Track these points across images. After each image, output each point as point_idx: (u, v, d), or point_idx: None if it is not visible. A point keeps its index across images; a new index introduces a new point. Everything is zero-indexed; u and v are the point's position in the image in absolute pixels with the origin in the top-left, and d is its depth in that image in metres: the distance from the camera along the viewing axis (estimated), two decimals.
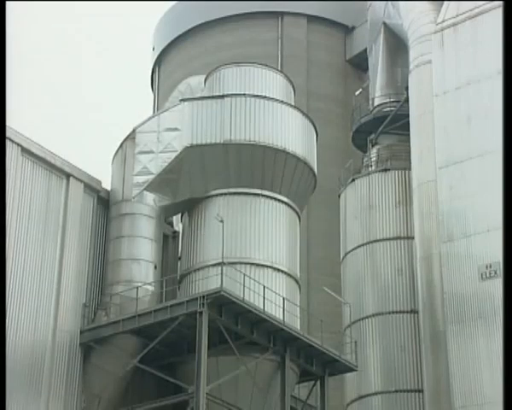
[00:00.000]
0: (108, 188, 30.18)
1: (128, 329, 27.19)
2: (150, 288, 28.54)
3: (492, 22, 29.78)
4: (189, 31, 48.79)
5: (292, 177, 30.41)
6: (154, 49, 52.41)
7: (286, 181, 30.26)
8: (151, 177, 29.52)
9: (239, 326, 26.82)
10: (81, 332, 27.57)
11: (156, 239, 29.65)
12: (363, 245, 35.44)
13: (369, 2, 40.96)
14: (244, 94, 30.29)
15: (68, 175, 28.57)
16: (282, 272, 29.59)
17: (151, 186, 29.57)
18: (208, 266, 28.75)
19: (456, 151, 30.81)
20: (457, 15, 30.87)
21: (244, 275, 27.36)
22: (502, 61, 25.15)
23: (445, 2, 32.00)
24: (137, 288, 27.62)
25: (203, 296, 25.91)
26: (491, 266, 29.48)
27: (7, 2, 25.27)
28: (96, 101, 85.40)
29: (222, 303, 26.28)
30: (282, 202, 30.32)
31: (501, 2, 29.48)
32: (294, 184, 30.55)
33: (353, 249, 35.87)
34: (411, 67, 34.40)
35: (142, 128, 30.24)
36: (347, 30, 47.43)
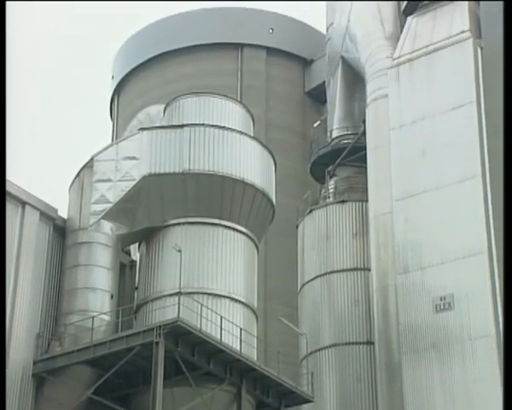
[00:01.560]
0: (65, 216, 29.92)
1: (82, 359, 26.84)
2: (106, 318, 28.25)
3: (447, 58, 30.41)
4: (149, 60, 48.89)
5: (250, 207, 30.51)
6: (113, 77, 52.34)
7: (244, 211, 30.34)
8: (109, 205, 29.35)
9: (195, 357, 26.68)
10: (34, 363, 27.14)
11: (113, 268, 29.43)
12: (320, 276, 35.60)
13: (327, 36, 41.56)
14: (203, 124, 30.39)
15: (24, 203, 28.28)
16: (240, 302, 29.56)
17: (108, 215, 29.39)
18: (165, 296, 28.59)
19: (412, 184, 31.24)
20: (413, 51, 31.46)
21: (201, 305, 27.26)
22: (503, 62, 25.24)
23: (401, 38, 32.62)
24: (93, 318, 27.33)
25: (160, 326, 25.74)
26: (445, 298, 29.82)
27: None
28: (54, 128, 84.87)
29: (178, 333, 26.13)
30: (241, 232, 30.37)
31: (455, 39, 30.20)
32: (253, 214, 30.64)
33: (310, 280, 36.00)
34: (368, 100, 34.90)
35: (101, 156, 30.12)
36: (306, 63, 47.98)
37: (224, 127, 30.43)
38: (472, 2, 31.45)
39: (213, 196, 29.81)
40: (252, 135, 31.74)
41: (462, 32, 30.34)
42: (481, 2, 30.85)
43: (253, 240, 30.98)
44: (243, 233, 30.44)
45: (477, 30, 30.67)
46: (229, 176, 29.78)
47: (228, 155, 30.12)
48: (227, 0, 48.36)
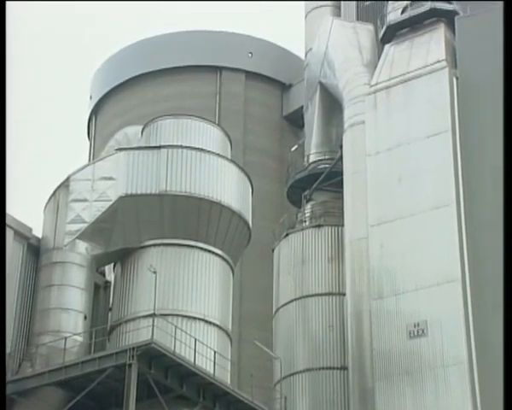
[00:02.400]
0: (39, 236, 29.71)
1: (54, 381, 26.49)
2: (79, 339, 28.02)
3: (423, 87, 30.76)
4: (128, 81, 48.88)
5: (227, 230, 30.52)
6: (91, 97, 52.26)
7: (220, 234, 30.34)
8: (84, 225, 29.22)
9: (168, 379, 26.49)
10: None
11: (87, 289, 29.24)
12: (295, 300, 35.57)
13: (306, 61, 41.84)
14: (181, 146, 30.44)
15: None
16: (214, 325, 29.48)
17: (84, 235, 29.25)
18: (139, 318, 28.45)
19: (388, 210, 31.43)
20: (390, 79, 31.79)
21: (175, 327, 27.14)
22: (503, 63, 25.50)
23: (379, 66, 32.97)
24: (65, 338, 27.08)
25: (133, 348, 25.53)
26: (418, 325, 29.93)
27: None
28: (30, 147, 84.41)
29: (152, 356, 25.96)
30: (216, 254, 30.35)
31: (431, 68, 30.59)
32: (229, 236, 30.65)
33: (285, 304, 35.96)
34: (345, 126, 35.14)
35: (77, 176, 30.03)
36: (284, 87, 48.28)
37: (201, 149, 30.48)
38: (448, 33, 31.90)
39: (190, 218, 29.80)
40: (229, 158, 31.82)
41: (438, 61, 30.72)
42: (457, 34, 31.31)
43: (228, 263, 30.95)
44: (219, 256, 30.42)
45: (453, 60, 31.08)
46: (206, 198, 29.81)
47: (205, 178, 30.16)
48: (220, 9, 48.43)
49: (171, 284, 28.99)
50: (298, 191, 39.40)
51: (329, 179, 37.74)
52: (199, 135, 31.39)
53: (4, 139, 25.60)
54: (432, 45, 31.46)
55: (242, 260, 38.16)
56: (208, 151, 30.62)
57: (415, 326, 29.86)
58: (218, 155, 30.93)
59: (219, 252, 30.38)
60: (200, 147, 30.62)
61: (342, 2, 43.14)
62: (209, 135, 31.69)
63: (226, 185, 30.61)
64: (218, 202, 30.00)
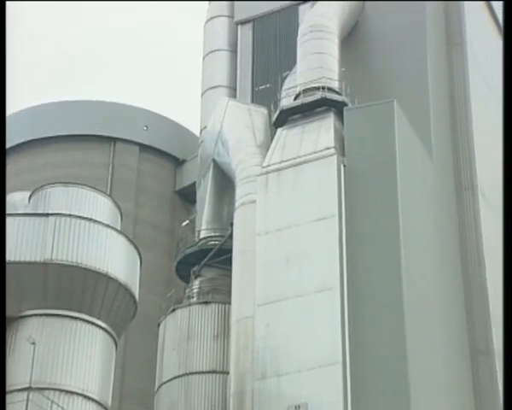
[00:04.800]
0: None
1: None
2: None
3: (312, 172, 31.68)
4: (18, 146, 47.91)
5: (112, 302, 30.04)
6: None
7: (106, 306, 29.82)
8: None
9: None
10: None
11: None
12: (178, 377, 35.10)
13: (200, 138, 42.38)
14: (70, 214, 30.00)
15: None
16: (93, 400, 28.67)
17: None
18: (15, 391, 27.33)
19: (275, 290, 31.75)
20: (281, 162, 32.58)
21: (52, 402, 26.26)
22: (503, 64, 25.97)
23: (271, 148, 33.81)
24: None
25: None
26: (299, 407, 29.99)
27: None
28: None
29: None
30: (100, 327, 29.75)
31: (320, 155, 31.59)
32: (114, 309, 30.15)
33: (168, 381, 35.43)
34: (237, 204, 35.57)
35: None
36: (178, 162, 48.56)
37: (90, 219, 30.11)
38: (337, 122, 33.15)
39: (75, 289, 29.20)
40: (119, 229, 31.53)
41: (327, 148, 31.79)
42: (345, 124, 32.58)
43: (112, 336, 30.36)
44: (103, 328, 29.82)
45: (341, 148, 32.22)
46: (93, 269, 29.36)
47: (93, 248, 29.75)
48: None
49: (51, 356, 28.11)
50: (187, 267, 39.32)
51: (219, 256, 37.90)
52: (89, 204, 31.05)
53: (4, 139, 24.58)
54: (322, 132, 32.56)
55: (127, 333, 37.49)
56: (97, 221, 30.28)
57: (296, 408, 29.91)
58: (108, 225, 30.62)
59: (103, 325, 29.79)
60: (89, 217, 30.23)
61: (238, 84, 44.35)
62: (99, 205, 31.40)
63: (114, 257, 30.27)
64: (105, 274, 29.58)
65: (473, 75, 39.00)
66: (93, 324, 29.52)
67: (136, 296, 31.18)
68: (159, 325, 37.64)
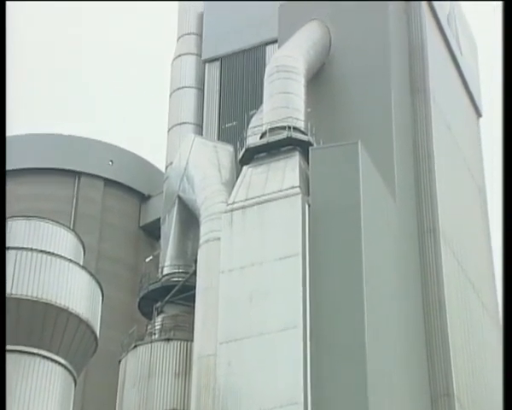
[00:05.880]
0: None
1: None
2: None
3: (277, 211, 31.79)
4: None
5: (72, 338, 29.67)
6: None
7: (66, 342, 29.45)
8: None
9: None
10: None
11: None
12: None
13: (166, 174, 42.35)
14: (31, 248, 29.71)
15: None
16: None
17: None
18: None
19: (237, 328, 31.61)
20: (246, 199, 32.65)
21: None
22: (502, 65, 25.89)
23: (236, 186, 33.91)
24: None
25: None
26: None
27: None
28: None
29: None
30: (59, 363, 29.34)
31: (285, 193, 31.77)
32: (74, 345, 29.78)
33: None
34: (201, 241, 35.51)
35: None
36: (143, 198, 48.46)
37: (52, 253, 29.85)
38: (303, 162, 33.41)
39: (34, 324, 28.80)
40: (81, 264, 31.28)
41: (292, 187, 31.98)
42: (310, 163, 32.78)
43: (71, 373, 29.95)
44: (62, 365, 29.41)
45: (306, 187, 32.45)
46: (53, 304, 29.05)
47: (54, 283, 29.46)
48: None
49: (8, 393, 27.54)
50: (150, 303, 39.04)
51: (182, 293, 37.73)
52: (51, 238, 30.81)
53: (4, 139, 24.25)
54: (287, 172, 32.77)
55: (87, 370, 37.01)
56: (59, 256, 30.02)
57: None
58: (70, 260, 30.37)
59: (62, 361, 29.38)
60: (51, 251, 29.98)
61: (205, 121, 44.61)
62: (61, 239, 31.18)
63: (75, 292, 29.97)
64: (66, 309, 29.26)
65: (435, 120, 39.71)
66: (52, 360, 29.12)
67: (97, 332, 30.84)
68: (119, 361, 37.22)
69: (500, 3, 29.39)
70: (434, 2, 42.73)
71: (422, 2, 41.83)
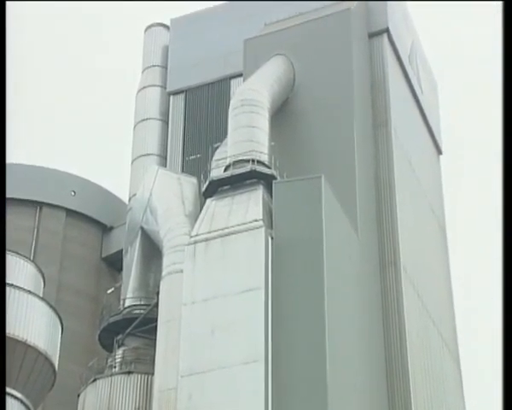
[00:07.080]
0: None
1: None
2: None
3: (240, 243, 31.76)
4: None
5: (30, 371, 29.22)
6: None
7: (23, 375, 28.97)
8: None
9: None
10: None
11: None
12: None
13: (129, 205, 42.13)
14: None
15: None
16: None
17: None
18: None
19: (199, 361, 31.36)
20: (210, 232, 32.58)
21: None
22: (502, 64, 25.65)
23: (200, 218, 33.84)
24: None
25: None
26: None
27: None
28: None
29: None
30: (16, 397, 28.82)
31: (248, 226, 31.78)
32: (32, 378, 29.31)
33: None
34: (164, 273, 35.28)
35: None
36: (105, 229, 48.13)
37: (11, 285, 29.44)
38: (266, 195, 33.50)
39: None
40: (41, 295, 30.87)
41: (256, 220, 32.00)
42: (274, 197, 33.00)
43: (28, 407, 29.41)
44: (18, 399, 28.89)
45: (269, 220, 32.49)
46: (11, 336, 28.58)
47: (12, 314, 29.03)
48: None
49: None
50: (110, 335, 38.57)
51: (144, 325, 37.34)
52: (10, 269, 30.38)
53: (4, 139, 23.75)
54: (250, 205, 32.81)
55: (44, 404, 36.38)
56: (18, 287, 29.65)
57: None
58: (29, 291, 29.99)
59: (19, 395, 28.89)
60: (9, 282, 29.55)
61: (169, 153, 44.60)
62: (21, 270, 30.84)
63: (34, 324, 29.61)
64: (24, 341, 28.82)
65: (397, 155, 40.21)
66: (8, 394, 28.58)
67: (56, 365, 30.42)
68: (78, 395, 36.62)
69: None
70: (396, 41, 43.45)
71: (384, 39, 42.51)
